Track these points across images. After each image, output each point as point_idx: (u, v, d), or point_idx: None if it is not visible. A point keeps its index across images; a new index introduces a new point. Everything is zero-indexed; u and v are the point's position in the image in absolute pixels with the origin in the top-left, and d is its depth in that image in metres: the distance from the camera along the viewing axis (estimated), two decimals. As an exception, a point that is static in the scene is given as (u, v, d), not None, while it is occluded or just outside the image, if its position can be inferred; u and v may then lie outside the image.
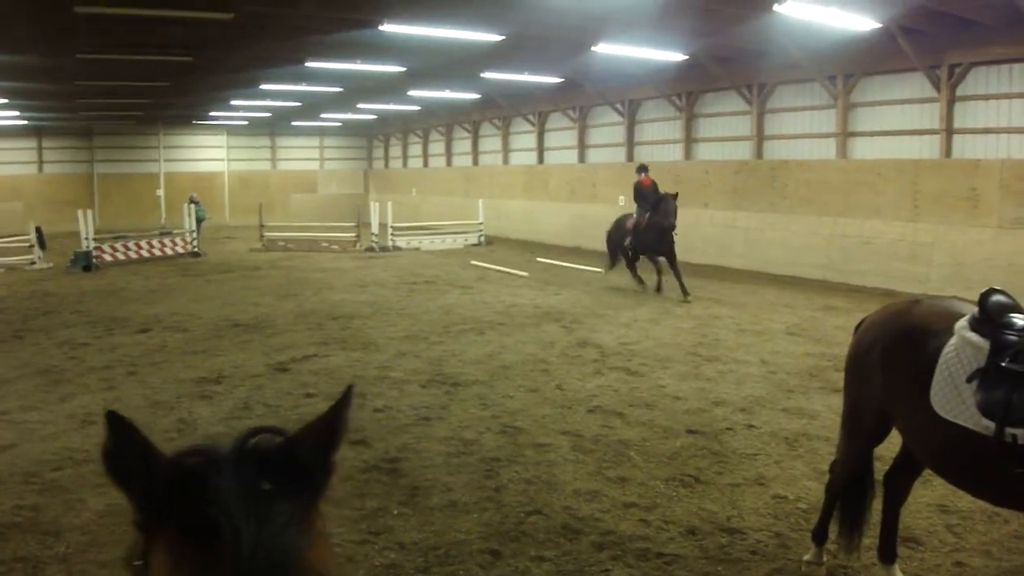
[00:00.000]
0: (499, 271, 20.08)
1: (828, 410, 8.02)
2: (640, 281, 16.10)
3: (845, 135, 18.52)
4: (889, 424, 4.31)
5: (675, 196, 15.42)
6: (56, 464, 6.91)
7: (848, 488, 4.67)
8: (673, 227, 15.11)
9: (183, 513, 1.09)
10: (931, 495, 5.87)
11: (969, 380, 3.71)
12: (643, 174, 16.43)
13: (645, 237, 15.63)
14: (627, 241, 16.16)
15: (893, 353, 4.15)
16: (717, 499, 6.00)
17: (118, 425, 1.16)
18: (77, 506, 5.95)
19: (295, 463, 1.18)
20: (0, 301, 16.35)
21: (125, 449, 1.16)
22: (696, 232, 21.39)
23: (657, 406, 8.41)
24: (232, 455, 1.15)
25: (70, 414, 8.41)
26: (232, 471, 1.12)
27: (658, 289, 15.84)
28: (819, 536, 4.87)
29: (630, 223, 16.14)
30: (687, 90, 22.87)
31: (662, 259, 15.79)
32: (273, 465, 1.16)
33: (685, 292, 15.02)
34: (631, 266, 16.36)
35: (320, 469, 1.22)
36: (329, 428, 1.27)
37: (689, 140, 23.18)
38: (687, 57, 19.17)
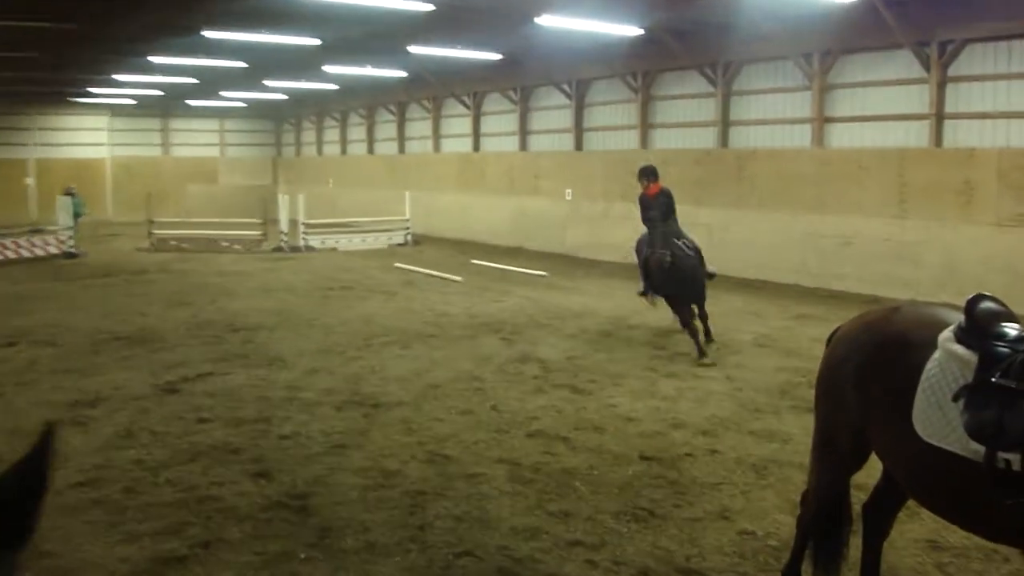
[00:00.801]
0: (428, 275, 20.01)
1: (802, 432, 8.09)
2: (701, 353, 11.55)
3: (822, 120, 18.85)
4: (867, 449, 4.35)
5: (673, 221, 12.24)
6: None
7: (822, 522, 4.69)
8: (705, 273, 12.30)
9: None
10: (919, 529, 5.96)
11: (955, 399, 3.73)
12: (648, 180, 12.39)
13: (666, 279, 11.90)
14: (641, 286, 12.86)
15: (869, 368, 4.19)
16: (675, 536, 6.00)
17: None
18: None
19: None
20: None
21: None
22: (654, 230, 21.55)
23: (607, 429, 8.42)
24: None
25: (-88, 445, 8.11)
26: None
27: (707, 339, 12.17)
28: None
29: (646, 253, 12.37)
30: (643, 69, 23.07)
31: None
32: None
33: (708, 338, 12.15)
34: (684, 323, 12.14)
35: (20, 521, 1.20)
36: (31, 476, 1.25)
37: (645, 126, 23.38)
38: (643, 31, 19.33)
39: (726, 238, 19.91)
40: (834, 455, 4.52)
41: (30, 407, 9.36)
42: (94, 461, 7.62)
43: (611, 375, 10.55)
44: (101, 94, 35.71)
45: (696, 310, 12.09)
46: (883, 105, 17.77)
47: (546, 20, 17.55)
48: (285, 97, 38.19)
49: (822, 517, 4.69)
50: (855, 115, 18.32)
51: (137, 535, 6.05)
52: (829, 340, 4.69)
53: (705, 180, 20.77)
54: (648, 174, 12.39)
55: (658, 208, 11.91)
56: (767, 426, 8.50)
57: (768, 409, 9.09)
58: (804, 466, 6.99)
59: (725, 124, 21.16)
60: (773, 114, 20.17)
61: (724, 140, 21.21)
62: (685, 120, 22.39)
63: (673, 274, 11.67)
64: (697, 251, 12.21)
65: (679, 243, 11.96)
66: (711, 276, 12.41)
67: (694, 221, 20.72)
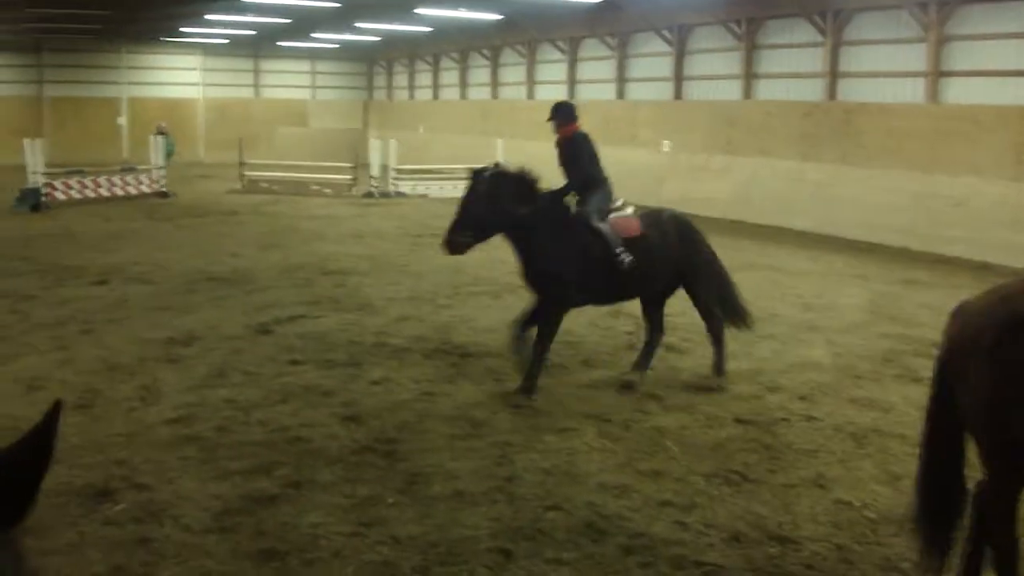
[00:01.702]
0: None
1: (904, 402, 7.99)
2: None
3: (937, 74, 18.31)
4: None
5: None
6: (-1, 436, 6.99)
7: (933, 498, 4.64)
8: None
9: None
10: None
11: None
12: (559, 122, 9.15)
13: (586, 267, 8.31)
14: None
15: (1011, 346, 3.98)
16: (768, 502, 6.02)
17: None
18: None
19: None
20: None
21: None
22: (755, 186, 21.25)
23: (700, 389, 8.41)
24: None
25: (14, 378, 8.52)
26: None
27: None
28: None
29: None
30: (748, 16, 22.64)
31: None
32: None
33: (719, 370, 8.75)
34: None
35: (19, 496, 1.25)
36: (35, 452, 1.29)
37: (749, 76, 22.98)
38: (751, -24, 18.96)
39: (831, 196, 19.53)
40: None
41: (123, 344, 9.72)
42: (187, 399, 7.92)
43: (706, 336, 10.46)
44: (193, 33, 36.35)
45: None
46: (1003, 60, 17.17)
47: (650, -37, 17.29)
48: (377, 39, 38.38)
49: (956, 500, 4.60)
50: (973, 69, 17.75)
51: (228, 473, 6.29)
52: (953, 315, 4.47)
53: (811, 135, 20.40)
54: (558, 113, 9.14)
55: (563, 161, 8.87)
56: (868, 394, 8.39)
57: (870, 376, 8.96)
58: (905, 437, 6.96)
59: (834, 76, 20.68)
60: (885, 66, 19.65)
61: (832, 93, 20.74)
62: (791, 71, 21.94)
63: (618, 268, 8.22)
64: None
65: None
66: (622, 263, 8.17)
67: (798, 177, 20.44)
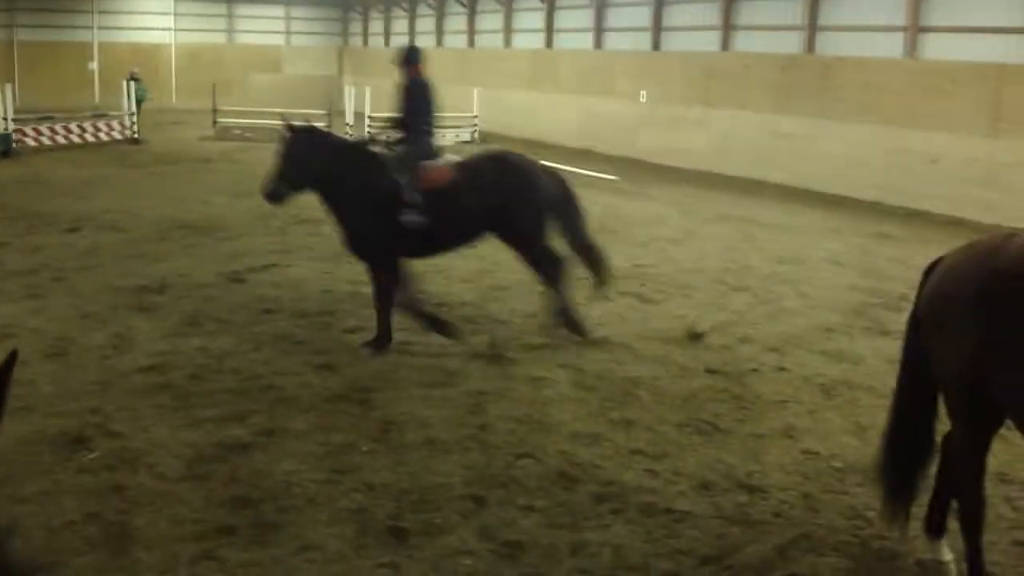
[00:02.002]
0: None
1: (874, 355, 8.11)
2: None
3: (916, 30, 18.28)
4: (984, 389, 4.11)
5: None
6: (-34, 384, 6.97)
7: (903, 449, 4.72)
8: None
9: None
10: (989, 463, 5.96)
11: None
12: (400, 64, 8.55)
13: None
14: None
15: (991, 300, 3.97)
16: (737, 451, 6.11)
17: None
18: (-9, 432, 6.03)
19: None
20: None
21: None
22: (732, 138, 21.28)
23: (673, 340, 8.48)
24: None
25: (-16, 324, 8.47)
26: None
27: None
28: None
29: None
30: (728, -34, 22.49)
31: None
32: None
33: (560, 316, 8.50)
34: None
35: None
36: None
37: (727, 27, 22.88)
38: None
39: (808, 150, 19.60)
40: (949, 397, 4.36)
41: (95, 292, 9.67)
42: (160, 347, 7.92)
43: (679, 286, 10.57)
44: (166, -25, 35.78)
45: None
46: (982, 16, 17.15)
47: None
48: (353, -16, 37.91)
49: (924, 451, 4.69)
50: (951, 25, 17.73)
51: (202, 420, 6.32)
52: (928, 272, 4.49)
53: (789, 88, 20.37)
54: (399, 57, 8.57)
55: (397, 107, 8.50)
56: (838, 346, 8.50)
57: (840, 329, 9.07)
58: (875, 389, 7.07)
59: (812, 29, 20.62)
60: (864, 20, 19.59)
61: (810, 46, 20.69)
62: (770, 23, 21.84)
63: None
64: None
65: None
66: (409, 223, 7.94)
67: (775, 130, 20.46)
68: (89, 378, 7.14)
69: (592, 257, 8.61)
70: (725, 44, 22.93)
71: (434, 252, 8.68)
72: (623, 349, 8.16)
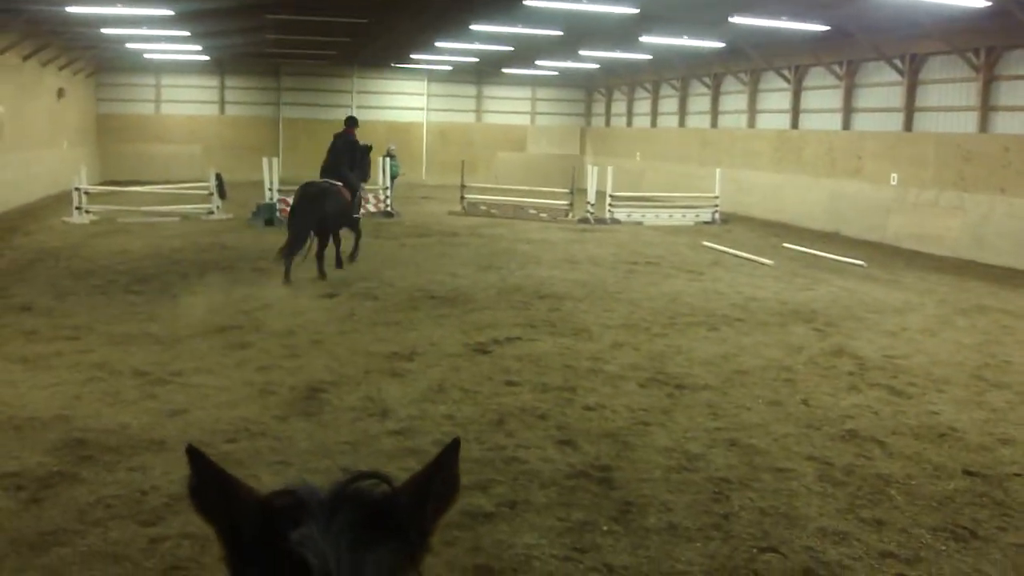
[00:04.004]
0: (737, 256, 19.76)
1: None
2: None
3: None
4: None
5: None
6: (230, 435, 7.50)
7: None
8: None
9: (267, 555, 1.22)
10: None
11: None
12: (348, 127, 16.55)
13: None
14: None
15: None
16: (997, 561, 5.70)
17: (198, 461, 1.32)
18: (251, 482, 6.38)
19: (394, 516, 1.28)
20: (175, 252, 17.87)
21: (208, 486, 1.32)
22: (990, 225, 20.15)
23: (927, 437, 8.05)
24: (328, 500, 1.27)
25: (248, 381, 9.11)
26: (324, 516, 1.24)
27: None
28: None
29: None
30: (986, 44, 21.49)
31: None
32: (369, 515, 1.26)
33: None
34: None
35: (419, 527, 1.32)
36: (440, 485, 1.36)
37: (986, 108, 21.80)
38: (989, 3, 17.98)
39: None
40: None
41: (350, 355, 10.21)
42: (409, 412, 8.24)
43: (934, 380, 10.03)
44: (421, 60, 37.72)
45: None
46: None
47: (883, -9, 16.71)
48: (597, 67, 38.71)
49: None
50: None
51: (448, 488, 6.47)
52: None
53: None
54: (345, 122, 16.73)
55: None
56: (1115, 452, 7.82)
57: (1117, 433, 8.34)
58: None
59: (1082, 110, 19.36)
60: None
61: (1079, 127, 19.42)
62: (1034, 104, 20.68)
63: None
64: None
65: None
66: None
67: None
68: (342, 438, 7.51)
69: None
70: (983, 126, 21.86)
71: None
72: (873, 444, 7.81)
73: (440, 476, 1.38)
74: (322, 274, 15.05)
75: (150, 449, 7.08)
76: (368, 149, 16.31)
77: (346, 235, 15.96)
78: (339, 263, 15.81)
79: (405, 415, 8.16)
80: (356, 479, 1.32)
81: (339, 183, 15.26)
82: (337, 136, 16.03)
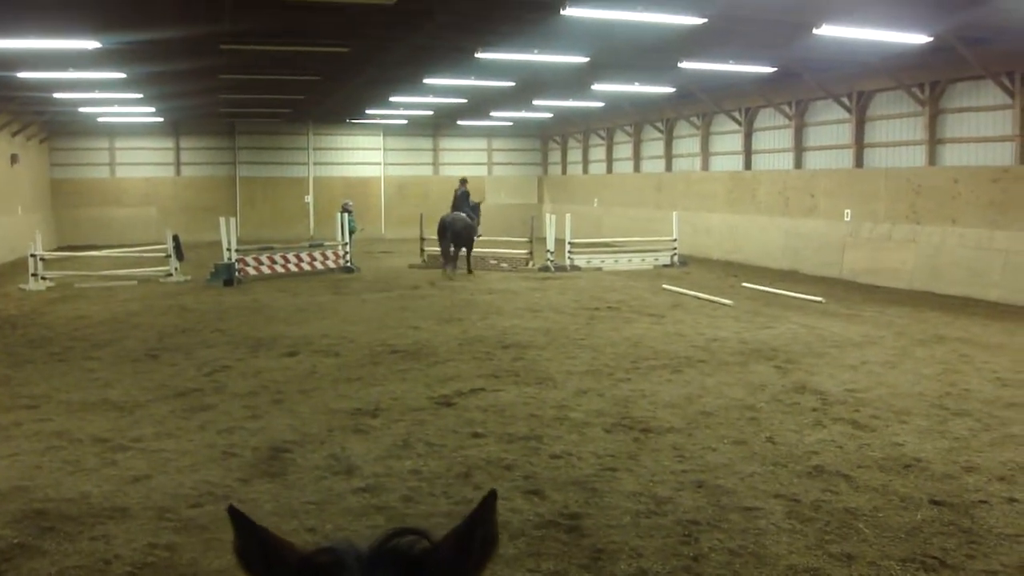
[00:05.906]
0: (697, 298, 19.90)
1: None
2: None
3: None
4: None
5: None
6: (194, 500, 7.39)
7: None
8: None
9: None
10: None
11: None
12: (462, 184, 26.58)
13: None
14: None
15: None
16: (969, 589, 5.73)
17: (240, 522, 1.33)
18: (217, 546, 6.34)
19: (433, 572, 1.29)
20: (133, 316, 17.69)
21: (252, 546, 1.33)
22: (943, 256, 20.47)
23: (892, 469, 8.11)
24: (367, 557, 1.28)
25: (210, 444, 9.00)
26: (363, 574, 1.25)
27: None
28: None
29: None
30: (931, 79, 21.98)
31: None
32: (408, 571, 1.27)
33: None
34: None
35: None
36: (480, 539, 1.37)
37: (933, 141, 22.25)
38: (931, 39, 18.39)
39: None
40: None
41: (312, 414, 10.12)
42: (375, 469, 8.17)
43: (896, 411, 10.11)
44: (376, 115, 37.92)
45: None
46: None
47: (826, 30, 17.02)
48: (551, 115, 39.11)
49: None
50: None
51: (417, 544, 6.41)
52: None
53: (1001, 201, 19.54)
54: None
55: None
56: (1077, 476, 7.90)
57: (1078, 457, 8.44)
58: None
59: (1026, 139, 19.79)
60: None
61: (1023, 157, 19.85)
62: (979, 135, 21.11)
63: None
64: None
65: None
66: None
67: (988, 246, 19.62)
68: (307, 498, 7.42)
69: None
70: (931, 159, 22.28)
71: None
72: (840, 478, 7.85)
73: (480, 531, 1.39)
74: (454, 269, 24.54)
75: (112, 517, 6.96)
76: (478, 205, 26.19)
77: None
78: (468, 268, 25.35)
79: (370, 472, 8.08)
80: (395, 535, 1.33)
81: (464, 216, 24.76)
82: (457, 190, 26.07)
